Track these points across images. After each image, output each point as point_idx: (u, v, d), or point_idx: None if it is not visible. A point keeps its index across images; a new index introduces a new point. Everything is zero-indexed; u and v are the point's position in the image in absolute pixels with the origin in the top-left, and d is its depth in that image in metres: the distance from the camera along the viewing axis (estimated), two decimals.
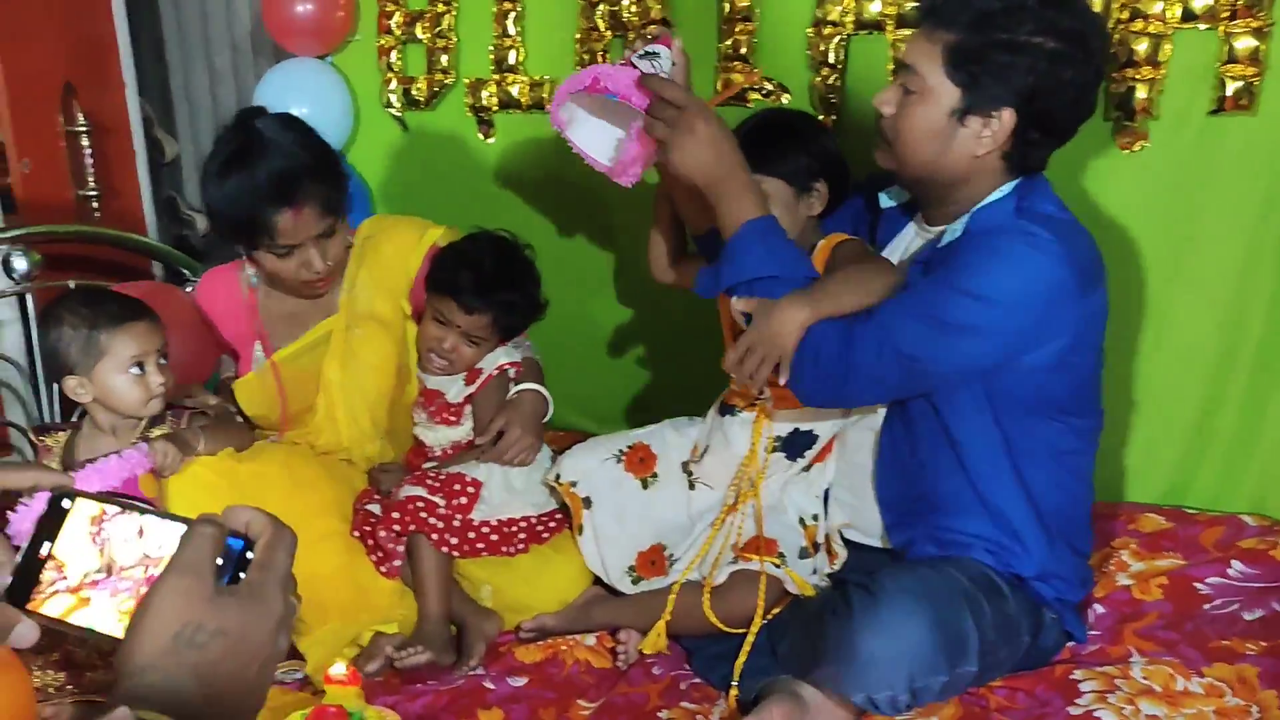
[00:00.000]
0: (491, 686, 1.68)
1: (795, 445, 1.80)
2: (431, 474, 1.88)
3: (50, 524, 0.82)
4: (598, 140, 1.68)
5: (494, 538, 1.84)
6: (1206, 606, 1.75)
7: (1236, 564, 1.81)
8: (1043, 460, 1.64)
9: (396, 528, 1.79)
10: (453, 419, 1.97)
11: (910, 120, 1.59)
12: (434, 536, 1.79)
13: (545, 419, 1.97)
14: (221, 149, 1.86)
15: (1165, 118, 1.92)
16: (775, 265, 1.58)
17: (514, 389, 1.95)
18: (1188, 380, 2.03)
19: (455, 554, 1.81)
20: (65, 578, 0.81)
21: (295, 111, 2.44)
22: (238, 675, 0.74)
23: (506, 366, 1.97)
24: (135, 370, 1.74)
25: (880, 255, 1.75)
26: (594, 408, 2.51)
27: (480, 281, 1.88)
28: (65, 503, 0.82)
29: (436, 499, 1.82)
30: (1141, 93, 1.90)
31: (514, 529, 1.86)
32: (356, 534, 1.83)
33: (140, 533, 0.82)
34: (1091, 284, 1.57)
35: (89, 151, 2.68)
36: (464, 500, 1.83)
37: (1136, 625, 1.73)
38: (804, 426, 1.79)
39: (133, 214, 2.81)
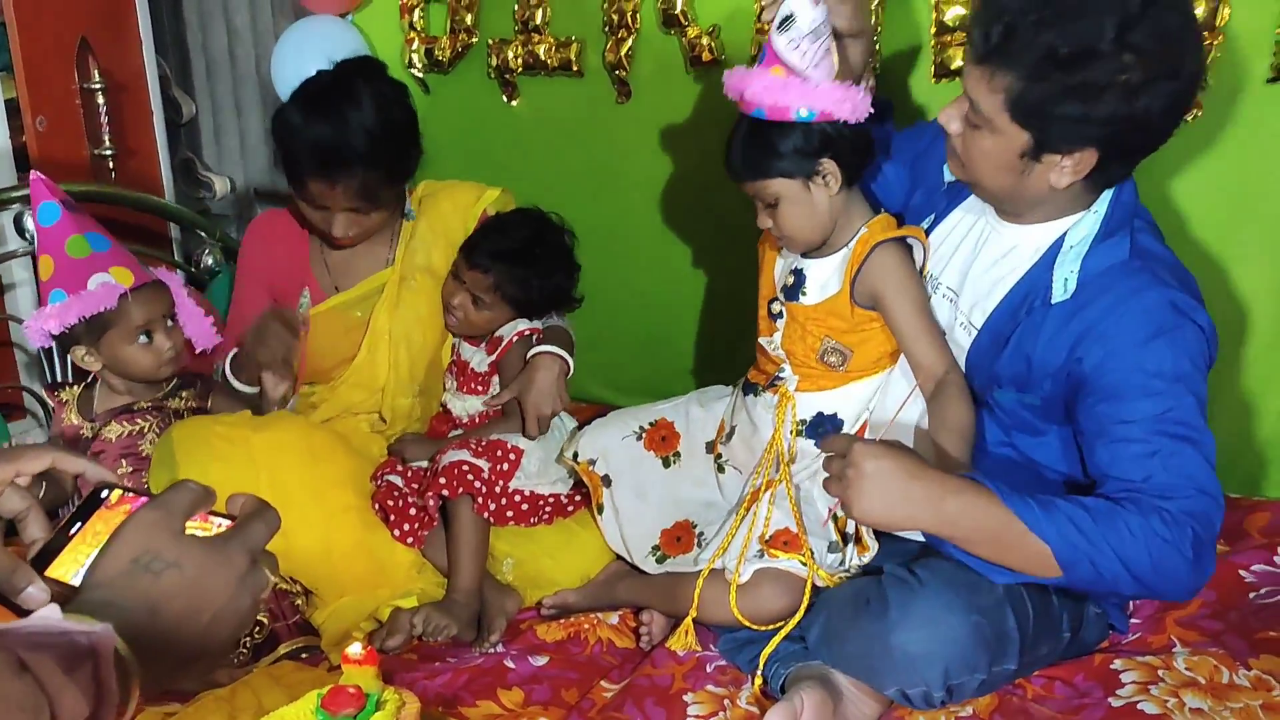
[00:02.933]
0: (512, 665, 1.63)
1: (821, 430, 1.73)
2: (473, 440, 1.86)
3: (87, 508, 0.91)
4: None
5: (525, 507, 1.83)
6: (1252, 595, 1.69)
7: None
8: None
9: (445, 492, 1.76)
10: (479, 388, 1.97)
11: (977, 151, 1.47)
12: (478, 500, 1.77)
13: (567, 376, 1.94)
14: (310, 85, 1.85)
15: (1218, 88, 1.85)
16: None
17: (531, 351, 1.92)
18: (1239, 356, 1.96)
19: (492, 521, 1.79)
20: (84, 550, 0.87)
21: (315, 71, 2.42)
22: (188, 616, 0.76)
23: (526, 332, 1.95)
24: (144, 339, 1.75)
25: (917, 288, 1.64)
26: (617, 379, 2.46)
27: (492, 243, 1.89)
28: (104, 492, 0.92)
29: (481, 463, 1.80)
30: None
31: (542, 502, 1.84)
32: (377, 506, 1.79)
33: None
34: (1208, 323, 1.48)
35: (105, 110, 2.63)
36: (505, 467, 1.83)
37: (1178, 614, 1.67)
38: (827, 410, 1.72)
39: (149, 174, 2.76)
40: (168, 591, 0.75)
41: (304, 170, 1.81)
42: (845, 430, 1.71)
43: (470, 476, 1.77)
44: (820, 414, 1.72)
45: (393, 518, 1.78)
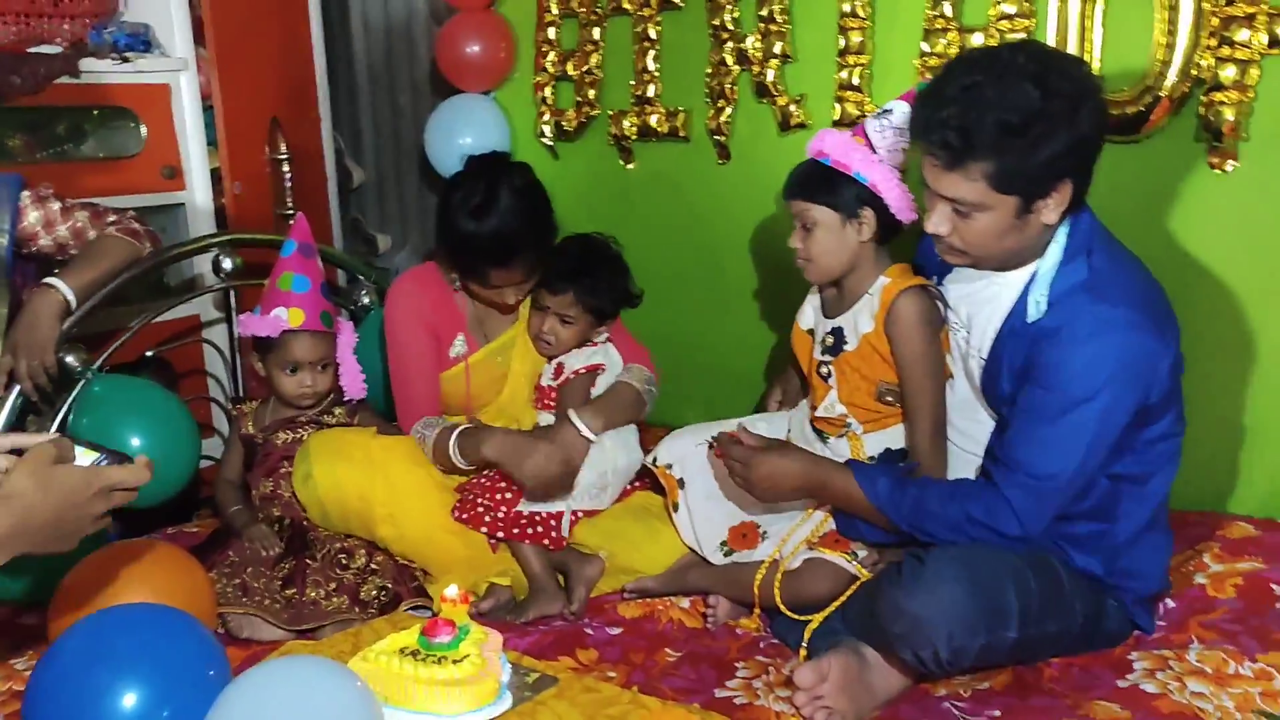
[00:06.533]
0: (591, 633, 1.90)
1: (891, 460, 1.94)
2: None
3: None
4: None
5: (539, 529, 2.09)
6: (1279, 605, 1.80)
7: None
8: (1129, 466, 1.74)
9: (500, 534, 2.08)
10: (550, 404, 2.22)
11: (976, 233, 1.66)
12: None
13: (639, 413, 2.21)
14: (467, 197, 2.09)
15: (1255, 139, 2.01)
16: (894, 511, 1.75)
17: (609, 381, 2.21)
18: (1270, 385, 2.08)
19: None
20: None
21: (462, 142, 2.81)
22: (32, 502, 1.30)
23: (584, 370, 2.20)
24: (291, 370, 2.18)
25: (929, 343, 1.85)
26: (705, 410, 2.70)
27: (563, 266, 2.16)
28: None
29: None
30: (1229, 115, 1.99)
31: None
32: (466, 517, 2.09)
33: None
34: (1170, 327, 1.69)
35: (289, 177, 3.09)
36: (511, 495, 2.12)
37: (1204, 618, 1.79)
38: (894, 446, 1.94)
39: (322, 231, 3.20)
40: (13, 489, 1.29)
41: (485, 263, 2.11)
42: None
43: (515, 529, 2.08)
44: (888, 449, 1.94)
45: (468, 520, 2.09)
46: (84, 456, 1.40)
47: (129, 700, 1.32)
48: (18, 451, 1.36)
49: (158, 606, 1.46)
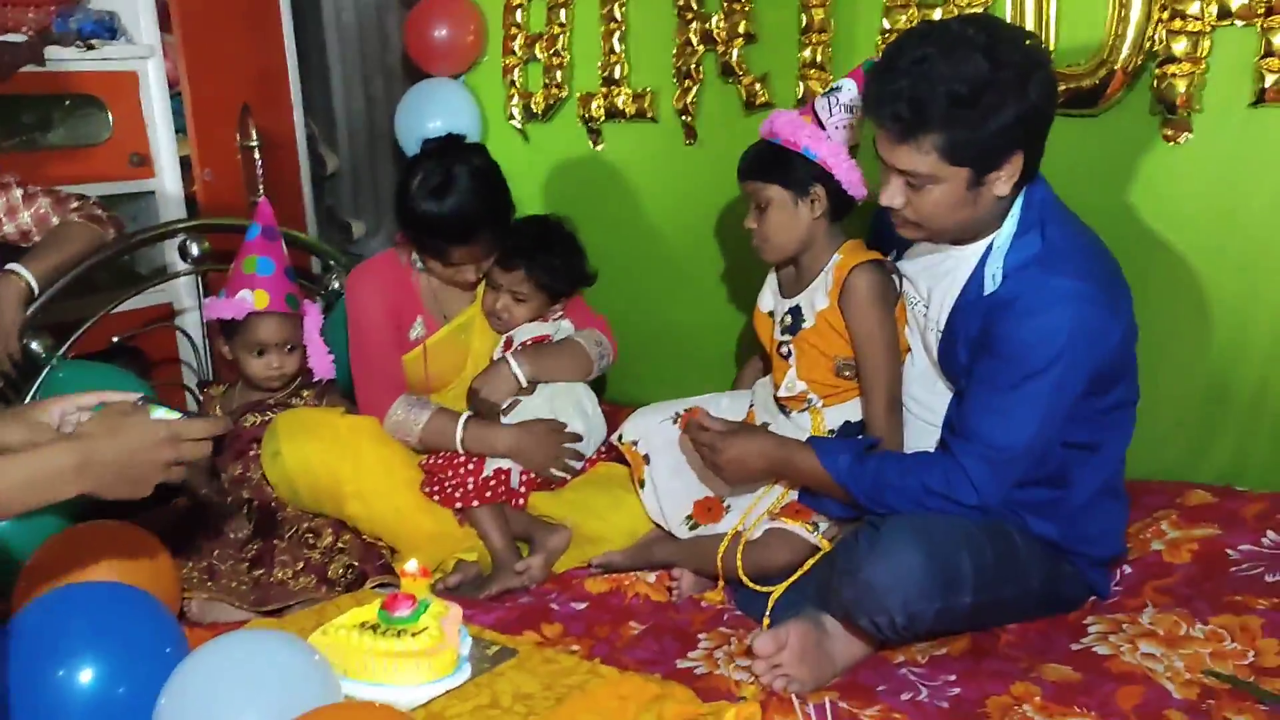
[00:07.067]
0: (556, 608, 1.92)
1: (850, 433, 1.97)
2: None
3: None
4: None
5: (501, 489, 2.13)
6: (1233, 570, 1.82)
7: (1271, 534, 1.87)
8: (1083, 433, 1.77)
9: (475, 501, 2.11)
10: None
11: (929, 205, 1.67)
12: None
13: (584, 370, 2.27)
14: (425, 179, 2.13)
15: (1208, 111, 2.03)
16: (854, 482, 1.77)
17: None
18: (1239, 366, 2.10)
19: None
20: None
21: (431, 126, 2.82)
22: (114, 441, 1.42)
23: (529, 342, 2.24)
24: (257, 353, 2.19)
25: (887, 308, 1.88)
26: (674, 391, 2.72)
27: (516, 243, 2.20)
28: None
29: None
30: (1181, 87, 2.01)
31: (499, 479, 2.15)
32: (427, 490, 2.12)
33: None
34: (1123, 298, 1.71)
35: (260, 164, 3.09)
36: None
37: (1159, 583, 1.82)
38: (854, 419, 1.97)
39: (295, 218, 3.20)
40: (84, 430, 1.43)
41: (447, 241, 2.15)
42: None
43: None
44: (848, 422, 1.97)
45: (437, 498, 2.12)
46: (159, 413, 1.49)
47: (85, 676, 1.33)
48: None
49: (114, 584, 1.48)
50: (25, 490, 1.31)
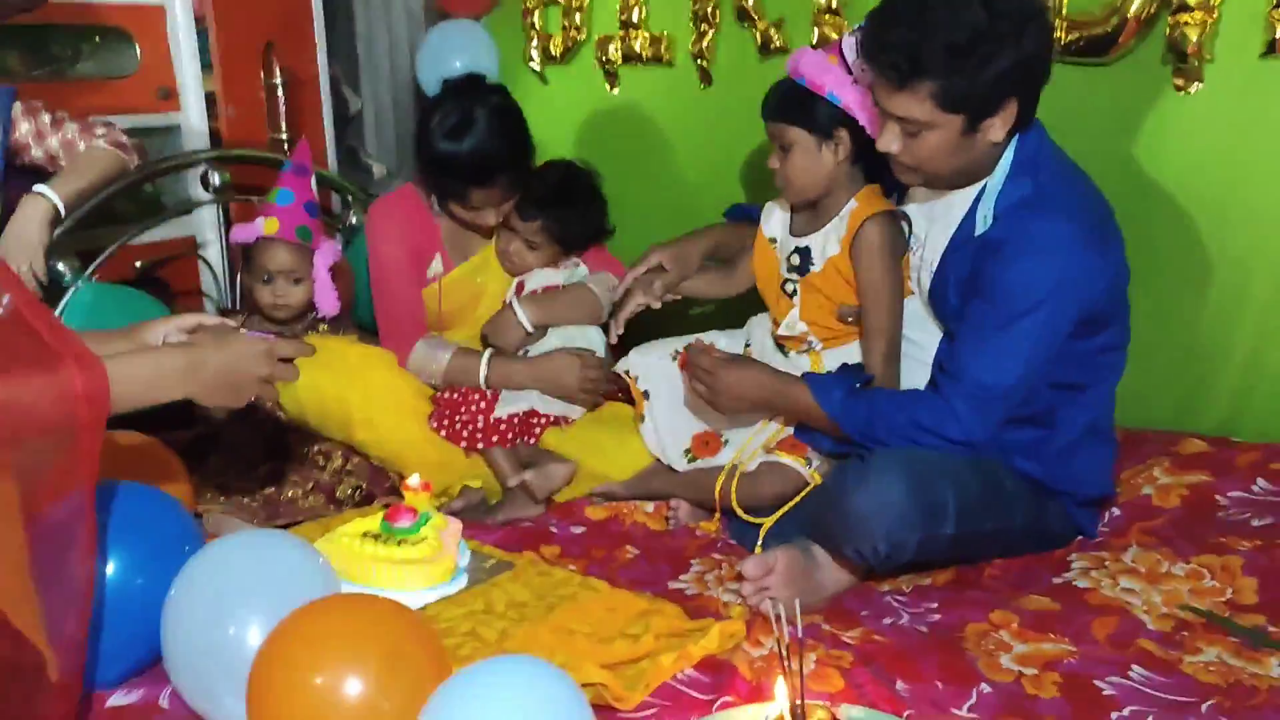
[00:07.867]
0: (555, 531, 1.98)
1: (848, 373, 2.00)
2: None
3: None
4: None
5: (510, 434, 2.16)
6: (1220, 514, 1.85)
7: (1261, 481, 1.91)
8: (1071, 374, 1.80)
9: (480, 444, 2.15)
10: None
11: (926, 150, 1.71)
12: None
13: (594, 315, 2.28)
14: (444, 119, 2.16)
15: (1219, 60, 2.03)
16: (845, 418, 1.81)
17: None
18: (1240, 317, 2.11)
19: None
20: None
21: (454, 66, 2.84)
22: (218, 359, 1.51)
23: (539, 291, 2.27)
24: (265, 280, 2.23)
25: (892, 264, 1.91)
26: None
27: (538, 192, 2.22)
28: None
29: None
30: (1193, 36, 2.01)
31: (534, 421, 2.19)
32: (434, 424, 2.17)
33: None
34: (1114, 242, 1.73)
35: (284, 102, 3.13)
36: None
37: (1146, 524, 1.85)
38: (851, 360, 1.99)
39: (318, 158, 3.22)
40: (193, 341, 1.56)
41: (466, 182, 2.17)
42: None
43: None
44: (845, 365, 1.98)
45: (449, 434, 2.17)
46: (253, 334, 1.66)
47: (109, 568, 1.40)
48: None
49: (140, 484, 1.54)
50: (144, 386, 1.40)
